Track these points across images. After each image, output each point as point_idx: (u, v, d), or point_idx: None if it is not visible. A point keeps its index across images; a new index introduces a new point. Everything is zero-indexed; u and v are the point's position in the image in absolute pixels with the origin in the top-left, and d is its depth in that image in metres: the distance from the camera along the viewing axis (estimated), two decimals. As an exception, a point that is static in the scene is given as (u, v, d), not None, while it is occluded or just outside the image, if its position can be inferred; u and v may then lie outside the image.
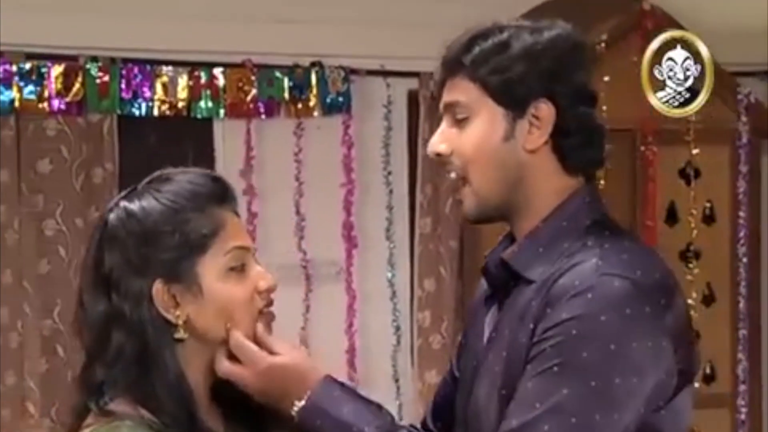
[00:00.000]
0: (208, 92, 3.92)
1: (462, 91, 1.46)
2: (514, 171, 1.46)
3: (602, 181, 3.92)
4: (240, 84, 3.95)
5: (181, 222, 1.39)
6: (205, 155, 3.99)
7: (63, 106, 3.75)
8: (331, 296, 4.05)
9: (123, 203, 1.42)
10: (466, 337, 1.61)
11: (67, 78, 3.75)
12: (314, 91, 4.02)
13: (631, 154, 3.95)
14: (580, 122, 1.46)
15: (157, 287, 1.38)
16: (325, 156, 4.03)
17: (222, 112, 3.95)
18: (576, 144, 1.46)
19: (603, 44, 3.67)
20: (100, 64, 3.78)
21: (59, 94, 3.74)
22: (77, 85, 3.75)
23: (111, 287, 1.38)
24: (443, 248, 4.09)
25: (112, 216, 1.41)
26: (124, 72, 3.82)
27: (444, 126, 1.50)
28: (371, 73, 4.05)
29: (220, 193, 1.43)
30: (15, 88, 3.68)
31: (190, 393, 1.39)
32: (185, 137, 3.99)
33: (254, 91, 3.96)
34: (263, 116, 4.00)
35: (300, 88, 4.01)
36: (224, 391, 1.46)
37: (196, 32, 3.86)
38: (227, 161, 3.98)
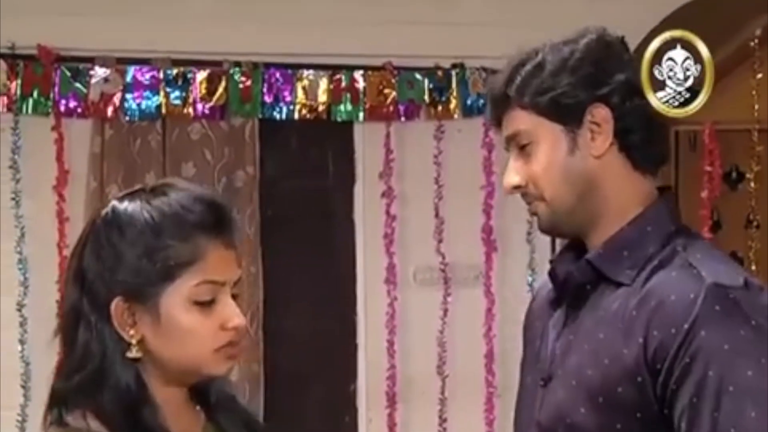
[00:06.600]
0: (349, 95, 3.92)
1: (518, 121, 1.50)
2: (585, 180, 1.48)
3: (752, 184, 3.82)
4: (380, 87, 3.95)
5: (155, 248, 1.32)
6: (345, 158, 4.02)
7: (207, 111, 3.82)
8: (470, 300, 4.00)
9: (114, 203, 1.37)
10: (529, 347, 1.59)
11: (211, 83, 3.81)
12: (455, 93, 3.98)
13: (786, 156, 3.80)
14: (639, 116, 1.47)
15: (117, 303, 1.33)
16: (465, 159, 3.99)
17: (362, 115, 3.95)
18: (641, 140, 1.48)
19: (756, 40, 3.51)
20: (243, 69, 3.84)
21: (203, 99, 3.81)
22: (220, 90, 3.82)
23: (84, 286, 1.35)
24: (586, 253, 3.99)
25: (102, 213, 1.37)
26: (266, 76, 3.87)
27: (512, 160, 1.53)
28: (512, 74, 3.96)
29: (213, 222, 1.35)
30: (162, 94, 3.78)
31: (146, 408, 1.32)
32: (325, 140, 4.02)
33: (394, 94, 3.95)
34: (403, 119, 3.99)
35: (440, 91, 3.98)
36: (211, 396, 1.43)
37: (336, 36, 3.88)
38: (367, 164, 3.99)
